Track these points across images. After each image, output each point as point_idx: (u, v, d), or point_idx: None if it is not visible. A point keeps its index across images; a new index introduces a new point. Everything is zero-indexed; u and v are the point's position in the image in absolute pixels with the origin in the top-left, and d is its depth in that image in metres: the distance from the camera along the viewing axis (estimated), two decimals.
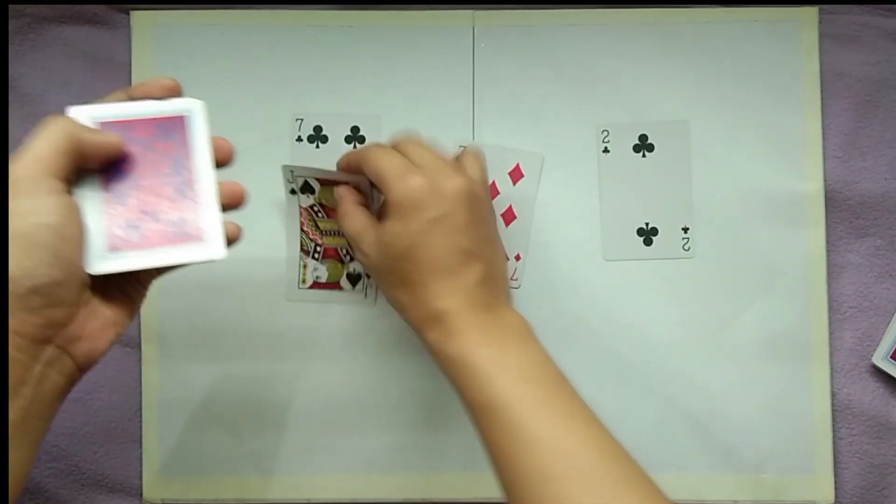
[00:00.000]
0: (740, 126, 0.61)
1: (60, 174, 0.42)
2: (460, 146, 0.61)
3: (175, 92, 0.47)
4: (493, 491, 0.61)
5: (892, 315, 0.61)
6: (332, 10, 0.62)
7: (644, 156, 0.61)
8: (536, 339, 0.49)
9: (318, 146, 0.62)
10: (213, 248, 0.45)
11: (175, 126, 0.47)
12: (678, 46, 0.62)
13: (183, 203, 0.46)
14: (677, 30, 0.62)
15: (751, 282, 0.61)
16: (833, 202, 0.61)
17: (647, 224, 0.61)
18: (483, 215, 0.50)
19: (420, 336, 0.49)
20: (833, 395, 0.61)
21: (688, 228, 0.61)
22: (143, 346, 0.61)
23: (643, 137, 0.61)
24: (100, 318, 0.44)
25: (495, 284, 0.49)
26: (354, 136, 0.62)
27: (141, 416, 0.61)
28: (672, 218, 0.61)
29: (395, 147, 0.52)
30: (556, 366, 0.48)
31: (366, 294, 0.61)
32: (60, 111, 0.62)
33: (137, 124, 0.46)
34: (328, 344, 0.61)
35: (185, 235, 0.45)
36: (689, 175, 0.61)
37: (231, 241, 0.46)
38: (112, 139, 0.45)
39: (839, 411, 0.61)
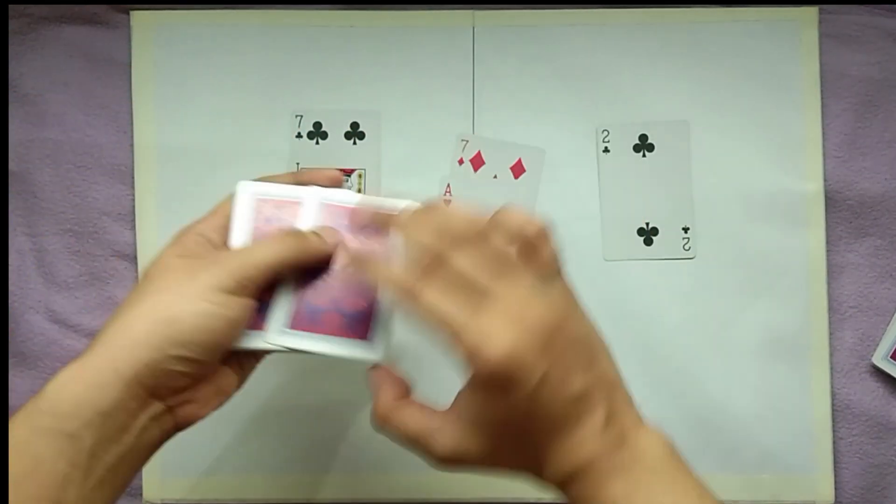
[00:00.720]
0: (740, 126, 0.61)
1: (267, 284, 0.45)
2: (462, 139, 0.61)
3: (338, 183, 0.49)
4: (493, 491, 0.61)
5: (892, 315, 0.61)
6: (332, 10, 0.62)
7: (644, 155, 0.62)
8: (678, 457, 0.42)
9: (317, 142, 0.62)
10: (375, 351, 0.47)
11: (386, 223, 0.46)
12: (678, 46, 0.62)
13: (364, 300, 0.47)
14: (677, 30, 0.62)
15: (751, 282, 0.61)
16: (833, 202, 0.61)
17: (647, 224, 0.61)
18: (579, 332, 0.42)
19: (562, 492, 0.42)
20: (833, 395, 0.61)
21: (688, 228, 0.61)
22: None
23: (643, 137, 0.61)
24: (213, 386, 0.45)
25: (619, 406, 0.42)
26: (354, 132, 0.62)
27: None
28: (672, 218, 0.61)
29: (437, 257, 0.41)
30: (704, 487, 0.42)
31: None
32: (60, 111, 0.62)
33: (354, 213, 0.47)
34: None
35: (354, 331, 0.46)
36: (689, 175, 0.61)
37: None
38: (329, 249, 0.46)
39: (839, 411, 0.61)
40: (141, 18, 0.62)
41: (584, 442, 0.40)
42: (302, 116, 0.62)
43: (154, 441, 0.44)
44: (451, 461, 0.42)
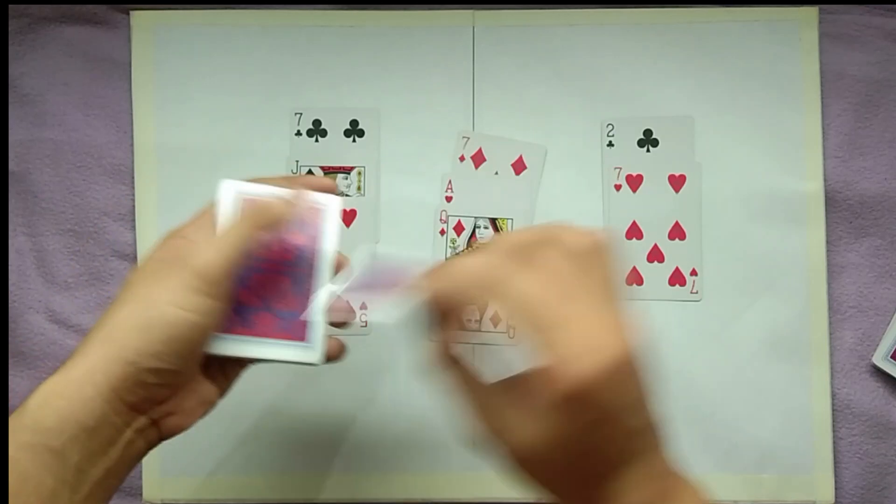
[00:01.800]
0: (740, 126, 0.61)
1: (232, 277, 0.43)
2: (463, 136, 0.61)
3: (332, 190, 0.47)
4: (494, 491, 0.61)
5: (892, 315, 0.61)
6: (332, 11, 0.62)
7: (648, 150, 0.61)
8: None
9: (317, 140, 0.62)
10: (312, 353, 0.45)
11: (311, 218, 0.46)
12: (678, 47, 0.62)
13: (296, 299, 0.45)
14: (677, 30, 0.62)
15: (751, 282, 0.61)
16: (833, 202, 0.61)
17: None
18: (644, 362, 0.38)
19: None
20: (833, 395, 0.61)
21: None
22: None
23: (648, 132, 0.61)
24: (196, 396, 0.44)
25: (665, 451, 0.38)
26: (353, 130, 0.62)
27: None
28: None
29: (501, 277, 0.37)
30: None
31: None
32: (60, 111, 0.62)
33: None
34: None
35: (289, 332, 0.45)
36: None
37: (332, 357, 0.46)
38: (293, 209, 0.45)
39: (839, 411, 0.61)
40: (141, 18, 0.62)
41: (631, 490, 0.36)
42: (301, 114, 0.62)
43: (139, 452, 0.43)
44: (485, 444, 0.39)
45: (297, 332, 0.45)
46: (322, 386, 0.61)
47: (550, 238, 0.37)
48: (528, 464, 0.38)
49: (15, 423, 0.39)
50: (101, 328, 0.41)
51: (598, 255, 0.38)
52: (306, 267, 0.46)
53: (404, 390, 0.61)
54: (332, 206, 0.46)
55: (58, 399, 0.40)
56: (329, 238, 0.46)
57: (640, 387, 0.36)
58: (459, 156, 0.61)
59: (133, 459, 0.43)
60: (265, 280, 0.45)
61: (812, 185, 0.61)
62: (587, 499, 0.37)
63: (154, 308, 0.41)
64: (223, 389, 0.46)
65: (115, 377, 0.40)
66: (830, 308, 0.61)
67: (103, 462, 0.41)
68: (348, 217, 0.61)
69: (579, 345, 0.34)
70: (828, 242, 0.61)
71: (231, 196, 0.46)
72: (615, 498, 0.37)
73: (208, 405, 0.45)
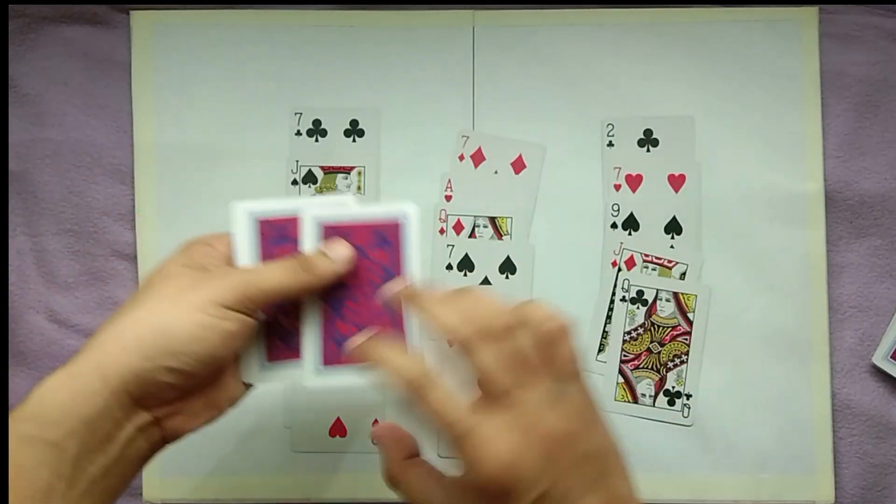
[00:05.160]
0: (740, 126, 0.61)
1: (272, 306, 0.44)
2: (462, 135, 0.61)
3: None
4: None
5: (892, 315, 0.61)
6: (332, 11, 0.62)
7: (648, 150, 0.62)
8: None
9: (316, 140, 0.62)
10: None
11: (391, 232, 0.45)
12: (678, 47, 0.62)
13: (388, 317, 0.45)
14: (677, 30, 0.62)
15: (751, 282, 0.61)
16: (833, 202, 0.61)
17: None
18: (592, 446, 0.40)
19: None
20: (833, 395, 0.61)
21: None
22: None
23: (648, 132, 0.61)
24: (203, 400, 0.44)
25: (618, 488, 0.40)
26: (353, 130, 0.62)
27: None
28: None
29: (460, 347, 0.40)
30: None
31: None
32: (60, 111, 0.62)
33: (356, 230, 0.45)
34: None
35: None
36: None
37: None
38: (340, 271, 0.44)
39: (839, 411, 0.61)
40: (141, 18, 0.62)
41: None
42: (301, 114, 0.62)
43: (142, 453, 0.42)
44: None
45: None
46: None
47: (520, 318, 0.40)
48: None
49: (16, 415, 0.39)
50: (117, 325, 0.41)
51: (561, 337, 0.40)
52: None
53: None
54: (411, 216, 0.45)
55: (61, 391, 0.39)
56: (412, 247, 0.45)
57: (563, 477, 0.38)
58: (459, 155, 0.61)
59: (134, 462, 0.42)
60: (358, 308, 0.44)
61: (812, 185, 0.61)
62: None
63: (180, 311, 0.41)
64: (236, 398, 0.46)
65: (127, 370, 0.40)
66: (830, 308, 0.61)
67: (102, 459, 0.40)
68: None
69: (476, 449, 0.38)
70: (828, 242, 0.61)
71: (246, 218, 0.45)
72: None
73: (217, 411, 0.45)
